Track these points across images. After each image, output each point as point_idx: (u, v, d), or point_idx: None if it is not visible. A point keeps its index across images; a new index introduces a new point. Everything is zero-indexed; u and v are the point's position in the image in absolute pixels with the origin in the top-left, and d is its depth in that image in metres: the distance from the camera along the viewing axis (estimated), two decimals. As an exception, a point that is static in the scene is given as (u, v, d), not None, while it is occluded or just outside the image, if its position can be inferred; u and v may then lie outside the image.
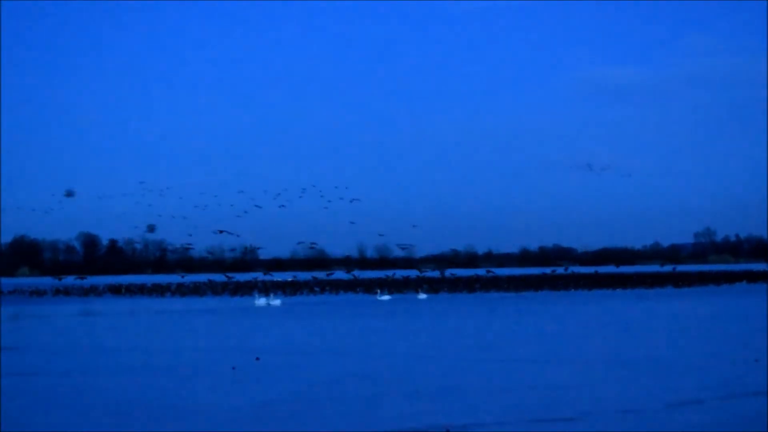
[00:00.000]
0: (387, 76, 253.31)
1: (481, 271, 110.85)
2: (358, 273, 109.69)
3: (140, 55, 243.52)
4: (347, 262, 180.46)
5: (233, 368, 23.02)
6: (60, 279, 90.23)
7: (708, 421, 15.13)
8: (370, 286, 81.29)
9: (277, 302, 60.69)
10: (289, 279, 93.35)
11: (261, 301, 60.06)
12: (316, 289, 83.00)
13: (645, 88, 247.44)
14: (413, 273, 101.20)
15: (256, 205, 77.49)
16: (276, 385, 20.01)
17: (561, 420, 15.27)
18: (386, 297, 65.87)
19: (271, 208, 79.39)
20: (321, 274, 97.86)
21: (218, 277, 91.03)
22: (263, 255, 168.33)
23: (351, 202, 79.29)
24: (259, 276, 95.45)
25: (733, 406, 16.42)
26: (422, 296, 67.67)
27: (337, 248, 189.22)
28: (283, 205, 79.06)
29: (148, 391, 19.42)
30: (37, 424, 15.68)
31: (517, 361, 24.10)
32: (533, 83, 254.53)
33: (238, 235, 75.79)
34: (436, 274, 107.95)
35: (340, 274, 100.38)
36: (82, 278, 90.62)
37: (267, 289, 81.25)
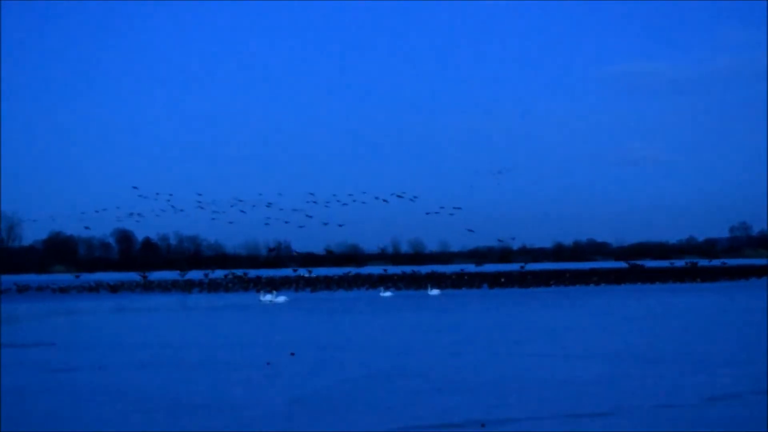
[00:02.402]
0: (402, 76, 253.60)
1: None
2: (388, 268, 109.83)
3: (189, 57, 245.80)
4: (382, 257, 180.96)
5: (268, 363, 23.10)
6: (77, 276, 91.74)
7: (746, 415, 15.01)
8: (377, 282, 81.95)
9: (281, 299, 60.36)
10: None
11: (266, 298, 59.71)
12: (340, 285, 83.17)
13: (680, 81, 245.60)
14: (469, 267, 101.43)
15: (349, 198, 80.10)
16: (313, 380, 20.07)
17: (596, 415, 15.20)
18: (388, 294, 65.50)
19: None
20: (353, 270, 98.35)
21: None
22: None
23: (453, 209, 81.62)
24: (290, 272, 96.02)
25: (771, 401, 16.27)
26: (434, 292, 66.97)
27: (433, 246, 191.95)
28: (386, 200, 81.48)
29: (189, 386, 19.57)
30: (70, 419, 15.84)
31: (549, 356, 24.01)
32: (566, 78, 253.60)
33: (340, 225, 78.41)
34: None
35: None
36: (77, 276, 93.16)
37: (295, 282, 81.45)
